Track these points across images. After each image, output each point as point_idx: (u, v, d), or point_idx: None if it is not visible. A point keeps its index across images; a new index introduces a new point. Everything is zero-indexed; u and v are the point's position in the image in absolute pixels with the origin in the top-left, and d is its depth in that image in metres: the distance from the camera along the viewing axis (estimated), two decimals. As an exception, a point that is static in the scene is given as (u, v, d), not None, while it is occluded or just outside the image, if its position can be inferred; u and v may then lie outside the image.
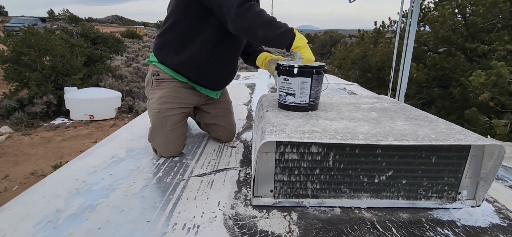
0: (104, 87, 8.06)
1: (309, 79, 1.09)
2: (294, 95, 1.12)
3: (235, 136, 1.74)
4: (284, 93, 1.15)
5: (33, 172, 4.49)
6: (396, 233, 0.90)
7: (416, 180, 1.00)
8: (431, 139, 0.90)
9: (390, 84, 2.65)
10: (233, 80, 3.64)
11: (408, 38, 2.29)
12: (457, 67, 3.38)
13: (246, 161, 1.41)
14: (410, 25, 2.28)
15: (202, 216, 0.97)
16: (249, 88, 3.24)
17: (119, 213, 0.98)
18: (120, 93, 7.35)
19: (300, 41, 1.11)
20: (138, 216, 0.97)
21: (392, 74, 2.58)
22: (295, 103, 1.14)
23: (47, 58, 7.17)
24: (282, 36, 1.10)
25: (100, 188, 1.14)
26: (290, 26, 1.13)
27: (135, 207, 1.02)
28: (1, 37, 7.16)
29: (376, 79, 5.20)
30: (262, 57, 1.44)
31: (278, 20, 1.11)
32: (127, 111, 7.68)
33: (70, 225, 0.91)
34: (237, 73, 4.54)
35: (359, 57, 5.59)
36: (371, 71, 5.23)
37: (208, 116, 1.60)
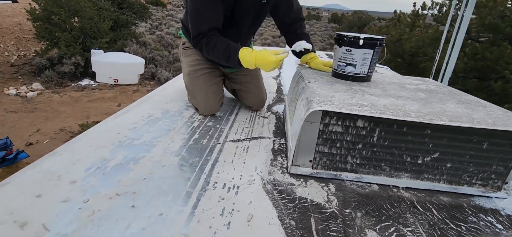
0: (129, 52, 8.20)
1: (372, 51, 1.10)
2: (354, 65, 1.15)
3: (266, 107, 1.74)
4: (344, 64, 1.17)
5: (62, 128, 4.73)
6: (437, 214, 0.89)
7: (462, 165, 0.97)
8: (488, 123, 0.86)
9: (434, 68, 2.53)
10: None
11: (460, 22, 2.14)
12: (500, 59, 3.14)
13: (278, 131, 1.42)
14: (466, 5, 2.12)
15: (240, 178, 0.99)
16: (277, 63, 3.19)
17: (161, 168, 1.02)
18: (143, 60, 7.46)
19: (246, 63, 1.23)
20: (178, 172, 1.00)
21: (437, 57, 2.45)
22: (355, 73, 1.17)
23: (76, 19, 7.32)
24: (229, 63, 1.28)
25: (141, 143, 1.18)
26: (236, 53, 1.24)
27: (175, 164, 1.05)
28: (33, -5, 7.34)
29: (408, 65, 4.95)
30: (308, 56, 1.54)
31: (227, 50, 1.25)
32: (150, 78, 7.82)
33: (118, 173, 0.96)
34: (266, 47, 4.48)
35: (393, 40, 5.31)
36: (404, 56, 4.97)
37: (237, 83, 1.67)
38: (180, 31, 1.64)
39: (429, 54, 4.40)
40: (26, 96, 5.70)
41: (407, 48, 4.79)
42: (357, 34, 1.13)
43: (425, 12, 5.32)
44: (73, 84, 6.79)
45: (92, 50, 6.89)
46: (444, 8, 3.24)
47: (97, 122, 1.45)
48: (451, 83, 3.89)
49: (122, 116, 1.44)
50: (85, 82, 6.93)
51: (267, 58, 1.18)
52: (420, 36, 4.67)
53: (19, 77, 6.78)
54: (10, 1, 10.41)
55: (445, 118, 0.86)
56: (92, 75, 7.11)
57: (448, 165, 0.97)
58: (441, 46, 2.48)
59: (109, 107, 5.66)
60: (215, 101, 1.51)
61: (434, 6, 4.91)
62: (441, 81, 2.41)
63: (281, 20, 1.56)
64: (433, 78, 2.72)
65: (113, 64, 6.76)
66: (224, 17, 1.31)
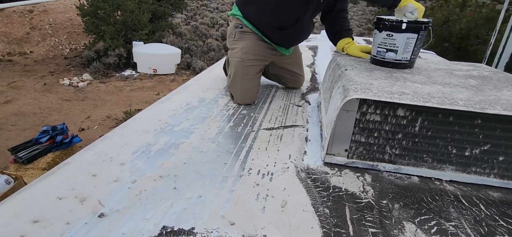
0: (166, 43, 8.56)
1: (416, 36, 1.03)
2: (396, 51, 1.09)
3: (300, 95, 1.73)
4: (384, 50, 1.12)
5: (108, 115, 5.13)
6: (485, 210, 0.83)
7: (517, 158, 0.88)
8: (551, 112, 0.77)
9: (488, 52, 2.29)
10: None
11: None
12: None
13: (313, 120, 1.40)
14: None
15: (274, 165, 1.01)
16: (311, 51, 3.12)
17: (199, 153, 1.07)
18: (180, 50, 7.74)
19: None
20: (215, 157, 1.05)
21: (492, 40, 2.21)
22: (396, 60, 1.11)
23: (119, 13, 7.78)
24: None
25: (180, 129, 1.25)
26: None
27: (212, 150, 1.10)
28: (81, -8, 7.93)
29: (456, 49, 4.49)
30: (344, 42, 1.49)
31: None
32: (185, 68, 8.11)
33: (160, 157, 1.03)
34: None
35: (439, 23, 4.85)
36: (451, 40, 4.51)
37: (278, 64, 1.70)
38: (233, 12, 1.53)
39: (482, 36, 3.95)
40: (77, 86, 6.26)
41: (456, 30, 4.34)
42: (400, 18, 1.06)
43: (478, -10, 4.78)
44: (117, 74, 7.29)
45: (133, 42, 7.31)
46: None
47: (139, 110, 1.56)
48: (509, 68, 3.48)
49: (163, 104, 1.53)
50: (127, 72, 7.40)
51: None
52: (472, 16, 4.21)
53: (72, 68, 7.44)
54: (62, -2, 11.33)
55: (499, 107, 0.79)
56: (134, 66, 7.56)
57: (501, 158, 0.89)
58: (497, 27, 2.22)
59: (149, 96, 6.00)
60: (254, 93, 1.54)
61: (489, -17, 4.37)
62: (497, 67, 2.17)
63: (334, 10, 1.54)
64: (486, 64, 2.47)
65: (152, 55, 7.11)
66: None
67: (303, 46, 3.34)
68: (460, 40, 4.43)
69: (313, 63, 2.56)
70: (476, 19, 4.07)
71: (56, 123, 3.98)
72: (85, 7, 7.42)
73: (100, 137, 1.20)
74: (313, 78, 2.12)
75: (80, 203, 0.79)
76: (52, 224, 0.72)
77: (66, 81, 6.36)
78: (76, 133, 4.13)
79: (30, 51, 8.20)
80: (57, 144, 3.29)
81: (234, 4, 1.54)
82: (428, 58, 2.78)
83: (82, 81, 6.49)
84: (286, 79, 1.76)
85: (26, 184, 1.64)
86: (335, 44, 1.53)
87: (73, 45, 8.97)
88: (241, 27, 1.50)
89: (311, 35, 4.37)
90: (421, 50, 3.31)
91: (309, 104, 1.61)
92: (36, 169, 2.93)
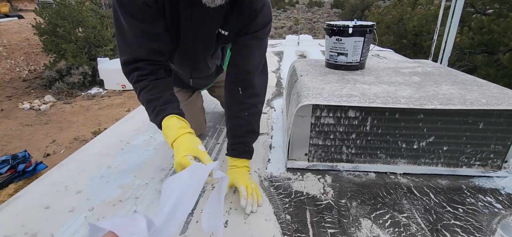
0: (134, 57, 8.31)
1: (362, 39, 1.08)
2: (346, 54, 1.15)
3: (266, 102, 1.75)
4: (336, 54, 1.17)
5: (76, 137, 4.87)
6: (434, 198, 0.89)
7: (459, 147, 0.96)
8: (481, 103, 0.85)
9: (433, 48, 2.46)
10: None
11: None
12: (508, 30, 3.02)
13: (277, 126, 1.43)
14: None
15: (238, 177, 1.01)
16: (277, 56, 3.18)
17: (161, 171, 1.05)
18: (149, 64, 7.56)
19: (166, 137, 0.79)
20: (179, 174, 1.03)
21: (435, 37, 2.39)
22: (347, 62, 1.17)
23: (80, 29, 7.46)
24: (152, 119, 0.85)
25: (143, 148, 1.22)
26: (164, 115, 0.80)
27: (176, 166, 1.09)
28: (37, 9, 7.51)
29: (412, 45, 4.82)
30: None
31: (154, 103, 0.82)
32: (156, 81, 7.92)
33: (121, 180, 1.00)
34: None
35: (395, 21, 5.18)
36: (407, 36, 4.84)
37: (217, 94, 1.49)
38: None
39: (432, 32, 4.28)
40: (39, 109, 5.89)
41: (410, 28, 4.66)
42: (346, 23, 1.12)
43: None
44: (83, 93, 6.96)
45: (98, 59, 7.03)
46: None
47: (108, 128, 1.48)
48: (457, 60, 3.80)
49: (125, 123, 1.49)
50: (94, 90, 7.09)
51: (179, 154, 0.73)
52: (422, 14, 4.54)
53: (32, 91, 6.99)
54: (16, 18, 10.67)
55: (436, 102, 0.86)
56: (101, 83, 7.26)
57: (445, 148, 0.97)
58: (438, 24, 2.41)
59: (119, 113, 5.78)
60: (198, 122, 1.28)
61: (435, -19, 4.75)
62: (441, 62, 2.35)
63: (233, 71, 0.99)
64: (433, 58, 2.66)
65: (119, 71, 6.84)
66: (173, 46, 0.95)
67: (268, 52, 3.40)
68: (415, 37, 4.76)
69: (278, 69, 2.61)
70: (426, 16, 4.41)
71: (17, 151, 3.72)
72: (43, 26, 7.04)
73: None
74: (278, 84, 2.16)
75: (30, 240, 0.75)
76: (-4, 267, 0.67)
77: (26, 105, 5.96)
78: (40, 159, 3.87)
79: (-17, 76, 7.62)
80: (19, 173, 3.07)
81: None
82: (387, 56, 2.94)
83: (44, 103, 6.12)
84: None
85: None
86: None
87: (32, 66, 8.46)
88: None
89: (277, 41, 4.46)
90: (380, 48, 3.50)
91: (274, 110, 1.64)
92: (-6, 204, 2.71)
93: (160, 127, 0.81)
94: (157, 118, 0.81)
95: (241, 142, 0.94)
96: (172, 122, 0.78)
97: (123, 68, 0.88)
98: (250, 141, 0.96)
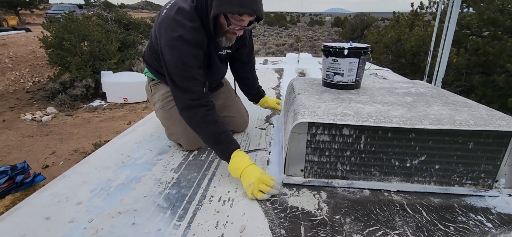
0: (136, 71, 8.44)
1: (357, 60, 1.14)
2: (342, 74, 1.20)
3: (264, 118, 1.79)
4: (332, 73, 1.22)
5: (76, 149, 4.89)
6: (427, 216, 0.91)
7: (450, 166, 0.99)
8: (469, 124, 0.88)
9: (427, 69, 2.52)
10: (261, 65, 3.68)
11: (449, 19, 2.15)
12: (503, 52, 3.09)
13: (275, 142, 1.46)
14: (452, 5, 2.13)
15: (236, 191, 1.04)
16: (277, 73, 3.24)
17: (160, 185, 1.08)
18: (151, 78, 7.66)
19: (233, 171, 1.07)
20: (177, 188, 1.06)
21: (429, 58, 2.45)
22: (343, 82, 1.23)
23: (86, 43, 7.62)
24: (219, 154, 1.15)
25: (143, 161, 1.25)
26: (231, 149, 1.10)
27: (174, 180, 1.11)
28: (44, 23, 7.71)
29: (410, 65, 4.91)
30: (263, 101, 1.67)
31: (220, 136, 1.10)
32: (158, 95, 8.00)
33: (120, 192, 1.02)
34: (265, 58, 4.55)
35: (393, 41, 5.30)
36: (405, 56, 4.93)
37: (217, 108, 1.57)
38: (146, 71, 1.47)
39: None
40: (41, 120, 5.93)
41: (408, 48, 4.76)
42: (342, 44, 1.18)
43: (423, 11, 5.31)
44: (85, 105, 7.03)
45: (102, 72, 7.15)
46: (444, 6, 3.22)
47: (109, 141, 1.50)
48: (454, 80, 3.86)
49: (126, 137, 1.52)
50: (96, 103, 7.16)
51: (253, 186, 0.98)
52: (420, 35, 4.65)
53: (34, 102, 7.07)
54: (24, 31, 10.92)
55: (427, 122, 0.89)
56: (103, 96, 7.34)
57: (437, 167, 0.99)
58: (432, 46, 2.48)
59: (120, 126, 5.82)
60: (195, 134, 1.31)
61: (432, 4, 4.89)
62: (435, 83, 2.40)
63: (239, 61, 1.50)
64: (428, 79, 2.72)
65: (122, 84, 6.98)
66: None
67: (269, 69, 3.47)
68: (412, 56, 4.85)
69: (278, 86, 2.66)
70: (423, 37, 4.51)
71: (16, 162, 3.73)
72: (49, 39, 7.20)
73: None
74: (278, 101, 2.20)
75: (31, 250, 0.77)
76: (-3, 275, 0.69)
77: (28, 116, 6.02)
78: (39, 170, 3.88)
79: (-13, 87, 7.73)
80: (17, 184, 3.07)
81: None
82: (385, 75, 3.00)
83: (46, 115, 6.18)
84: (231, 125, 1.55)
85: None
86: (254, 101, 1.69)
87: (36, 78, 8.58)
88: (153, 81, 1.44)
89: (277, 58, 4.55)
90: (378, 67, 3.57)
91: (273, 126, 1.67)
92: (-9, 215, 2.70)
93: (228, 157, 1.09)
94: (228, 148, 1.10)
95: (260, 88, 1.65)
96: (240, 157, 1.08)
97: (192, 101, 1.13)
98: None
